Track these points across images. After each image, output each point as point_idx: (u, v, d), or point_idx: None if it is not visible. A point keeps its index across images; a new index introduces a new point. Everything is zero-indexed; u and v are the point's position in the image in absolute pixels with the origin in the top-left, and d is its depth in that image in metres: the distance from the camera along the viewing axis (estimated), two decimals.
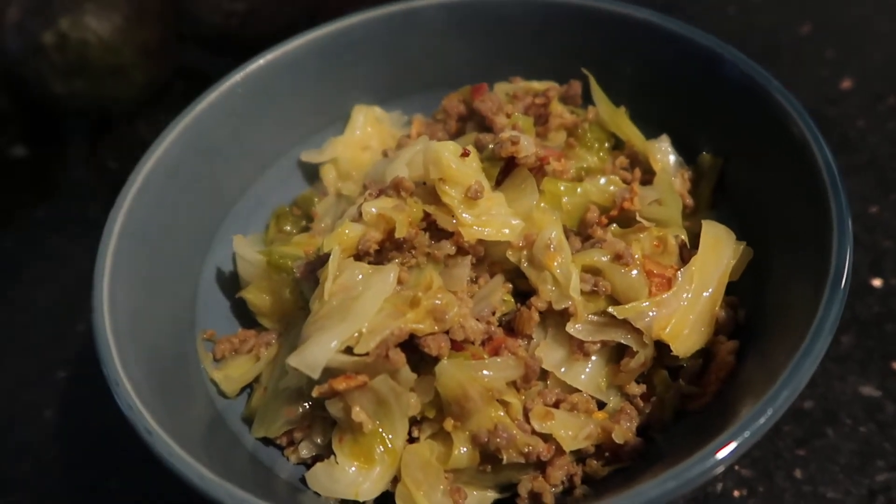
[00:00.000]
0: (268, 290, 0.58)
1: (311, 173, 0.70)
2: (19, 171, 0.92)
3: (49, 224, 0.85)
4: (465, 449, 0.48)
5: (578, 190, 0.58)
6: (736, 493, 0.58)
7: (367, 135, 0.69)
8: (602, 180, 0.59)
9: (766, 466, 0.59)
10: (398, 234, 0.50)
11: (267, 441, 0.53)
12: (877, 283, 0.68)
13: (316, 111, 0.69)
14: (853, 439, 0.59)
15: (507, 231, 0.53)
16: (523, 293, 0.54)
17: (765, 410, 0.38)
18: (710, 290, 0.52)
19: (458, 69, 0.70)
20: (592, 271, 0.53)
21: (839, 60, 0.88)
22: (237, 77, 0.63)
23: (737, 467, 0.59)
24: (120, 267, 0.52)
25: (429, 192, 0.54)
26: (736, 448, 0.37)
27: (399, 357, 0.46)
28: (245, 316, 0.61)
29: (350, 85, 0.69)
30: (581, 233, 0.58)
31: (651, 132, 0.63)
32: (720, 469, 0.37)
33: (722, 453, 0.37)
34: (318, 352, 0.46)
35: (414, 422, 0.50)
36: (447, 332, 0.49)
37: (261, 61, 0.64)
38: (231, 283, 0.62)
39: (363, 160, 0.67)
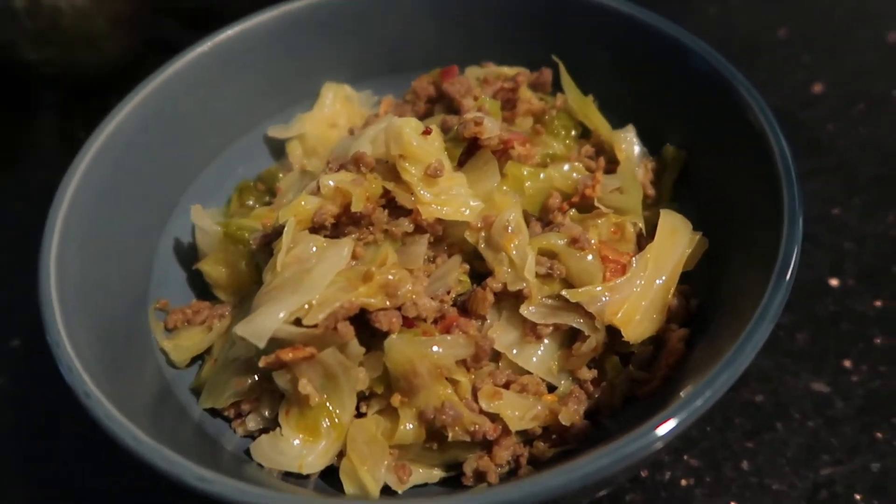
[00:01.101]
0: (224, 262, 0.58)
1: (278, 149, 0.69)
2: None
3: (14, 191, 0.84)
4: (410, 425, 0.48)
5: (542, 175, 0.58)
6: (683, 482, 0.58)
7: (335, 112, 0.68)
8: (566, 167, 0.59)
9: (714, 457, 0.59)
10: (354, 208, 0.50)
11: (215, 413, 0.53)
12: (834, 282, 0.68)
13: (285, 87, 0.69)
14: (801, 434, 0.60)
15: (465, 211, 0.53)
16: (480, 275, 0.54)
17: (703, 392, 0.38)
18: (664, 277, 0.52)
19: (430, 52, 0.70)
20: (548, 254, 0.53)
21: (814, 65, 0.89)
22: (205, 47, 0.63)
23: (686, 457, 0.59)
24: (72, 231, 0.51)
25: (389, 169, 0.54)
26: (674, 427, 0.37)
27: (348, 330, 0.46)
28: (201, 288, 0.60)
29: (321, 62, 0.69)
30: (542, 218, 0.58)
31: (618, 122, 0.63)
32: (657, 446, 0.37)
33: (660, 430, 0.37)
34: (265, 321, 0.45)
35: (362, 397, 0.50)
36: (399, 309, 0.49)
37: (230, 32, 0.64)
38: (189, 255, 0.62)
39: (330, 137, 0.67)
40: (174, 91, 0.61)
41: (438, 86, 0.65)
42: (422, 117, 0.66)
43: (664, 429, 0.37)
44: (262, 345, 0.45)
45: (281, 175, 0.66)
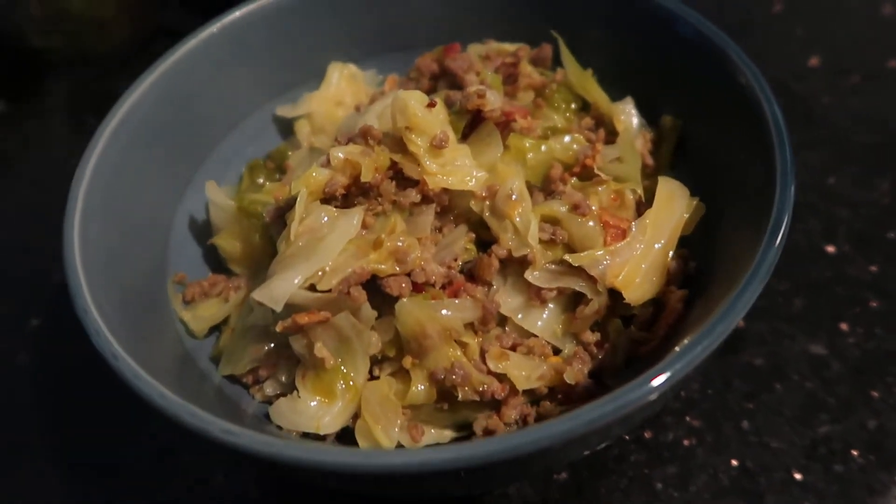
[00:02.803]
0: (238, 235, 0.60)
1: (286, 128, 0.71)
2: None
3: (27, 176, 0.86)
4: (422, 386, 0.50)
5: (543, 147, 0.59)
6: (686, 442, 0.60)
7: (341, 91, 0.70)
8: (566, 139, 0.60)
9: (715, 418, 0.61)
10: (363, 178, 0.51)
11: (233, 380, 0.55)
12: (830, 249, 0.70)
13: (292, 67, 0.70)
14: (799, 394, 0.62)
15: (470, 181, 0.54)
16: (485, 243, 0.56)
17: (696, 345, 0.40)
18: (663, 241, 0.54)
19: (433, 31, 0.71)
20: (551, 221, 0.54)
21: (808, 38, 0.90)
22: (214, 28, 0.64)
23: (687, 418, 0.61)
24: (92, 206, 0.53)
25: (396, 142, 0.55)
26: (670, 377, 0.39)
27: (360, 294, 0.48)
28: (216, 262, 0.62)
29: (327, 42, 0.70)
30: (544, 188, 0.59)
31: (616, 94, 0.65)
32: (653, 395, 0.39)
33: (656, 381, 0.39)
34: (282, 286, 0.47)
35: (375, 361, 0.52)
36: (409, 275, 0.51)
37: (237, 14, 0.65)
38: (203, 231, 0.64)
39: (337, 115, 0.69)
40: (184, 73, 0.63)
41: (441, 63, 0.67)
42: (426, 94, 0.67)
43: (660, 379, 0.39)
44: (278, 308, 0.47)
45: (290, 153, 0.68)
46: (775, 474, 0.58)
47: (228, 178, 0.67)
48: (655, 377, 0.39)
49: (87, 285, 0.47)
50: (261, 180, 0.67)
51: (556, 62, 0.67)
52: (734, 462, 0.59)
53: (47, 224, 0.78)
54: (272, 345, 0.54)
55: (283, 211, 0.55)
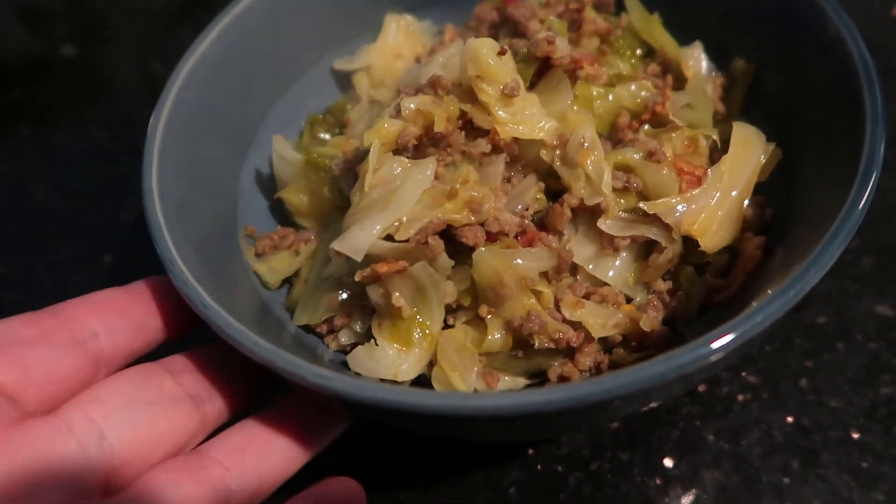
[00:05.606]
0: (306, 189, 0.60)
1: (344, 81, 0.71)
2: (69, 70, 0.96)
3: (97, 122, 0.89)
4: (498, 334, 0.50)
5: (610, 96, 0.58)
6: (740, 398, 0.60)
7: (399, 43, 0.69)
8: (633, 86, 0.59)
9: (772, 375, 0.60)
10: (437, 128, 0.51)
11: (307, 329, 0.56)
12: None
13: (348, 19, 0.69)
14: (862, 354, 0.60)
15: (541, 130, 0.54)
16: (555, 192, 0.55)
17: (762, 310, 0.39)
18: (739, 188, 0.53)
19: None
20: (624, 169, 0.54)
21: None
22: None
23: (743, 374, 0.61)
24: (165, 161, 0.53)
25: (464, 91, 0.55)
26: (732, 340, 0.38)
27: (438, 244, 0.48)
28: (282, 216, 0.63)
29: None
30: (612, 137, 0.58)
31: (684, 40, 0.63)
32: (715, 357, 0.38)
33: (716, 343, 0.38)
34: (361, 236, 0.48)
35: (449, 311, 0.52)
36: (482, 225, 0.51)
37: None
38: (268, 186, 0.64)
39: (396, 68, 0.68)
40: (244, 27, 0.62)
41: (502, 11, 0.66)
42: None
43: (721, 342, 0.38)
44: (359, 258, 0.47)
45: (349, 106, 0.67)
46: (832, 433, 0.57)
47: (289, 133, 0.67)
48: (716, 339, 0.38)
49: (169, 235, 0.48)
50: (322, 134, 0.67)
51: (619, 7, 0.65)
52: (789, 419, 0.58)
53: (118, 166, 0.83)
54: (346, 295, 0.54)
55: (352, 164, 0.55)
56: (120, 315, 0.47)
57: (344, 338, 0.54)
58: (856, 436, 0.57)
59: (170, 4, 0.94)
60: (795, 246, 0.47)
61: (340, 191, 0.57)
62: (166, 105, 0.55)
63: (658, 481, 0.57)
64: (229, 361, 0.48)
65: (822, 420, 0.58)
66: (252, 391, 0.50)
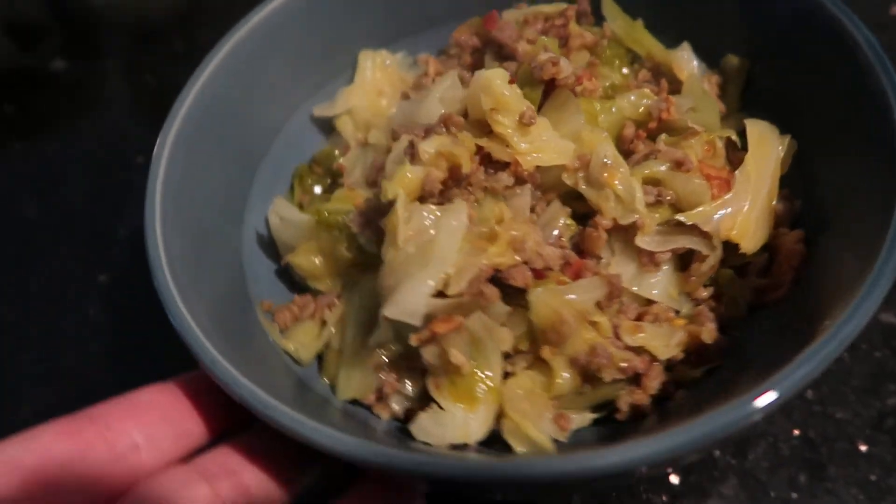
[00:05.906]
0: (317, 250, 0.55)
1: (325, 128, 0.67)
2: (60, 84, 0.93)
3: (89, 135, 0.86)
4: (567, 374, 0.48)
5: (613, 109, 0.57)
6: None
7: (377, 80, 0.66)
8: (633, 96, 0.58)
9: None
10: (465, 170, 0.49)
11: (353, 402, 0.52)
12: None
13: (320, 63, 0.65)
14: (868, 363, 0.60)
15: (562, 154, 0.52)
16: (581, 216, 0.54)
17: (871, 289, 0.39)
18: (767, 185, 0.53)
19: (456, 3, 0.68)
20: (652, 182, 0.53)
21: None
22: (242, 32, 0.59)
23: None
24: (171, 247, 0.48)
25: (475, 125, 0.53)
26: (774, 400, 0.37)
27: (493, 292, 0.46)
28: (292, 281, 0.58)
29: (351, 30, 0.66)
30: (619, 150, 0.57)
31: (669, 42, 0.63)
32: (756, 418, 0.37)
33: (759, 401, 0.37)
34: (413, 299, 0.44)
35: (505, 357, 0.49)
36: (525, 263, 0.49)
37: (255, 19, 0.59)
38: (269, 251, 0.59)
39: (380, 107, 0.65)
40: (219, 88, 0.57)
41: (482, 35, 0.64)
42: (472, 70, 0.64)
43: (763, 400, 0.37)
44: (418, 322, 0.44)
45: (337, 153, 0.64)
46: (838, 445, 0.56)
47: (278, 189, 0.63)
48: (757, 397, 0.37)
49: (199, 331, 0.43)
50: (313, 186, 0.63)
51: (596, 16, 0.65)
52: (796, 432, 0.57)
53: (110, 179, 0.81)
54: (388, 360, 0.50)
55: (371, 217, 0.52)
56: (162, 421, 0.43)
57: (397, 405, 0.51)
58: (863, 448, 0.56)
59: (160, 18, 0.92)
60: (847, 240, 0.47)
61: (359, 247, 0.54)
62: (157, 188, 0.50)
63: (664, 498, 0.56)
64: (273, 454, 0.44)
65: (828, 432, 0.57)
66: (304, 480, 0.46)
